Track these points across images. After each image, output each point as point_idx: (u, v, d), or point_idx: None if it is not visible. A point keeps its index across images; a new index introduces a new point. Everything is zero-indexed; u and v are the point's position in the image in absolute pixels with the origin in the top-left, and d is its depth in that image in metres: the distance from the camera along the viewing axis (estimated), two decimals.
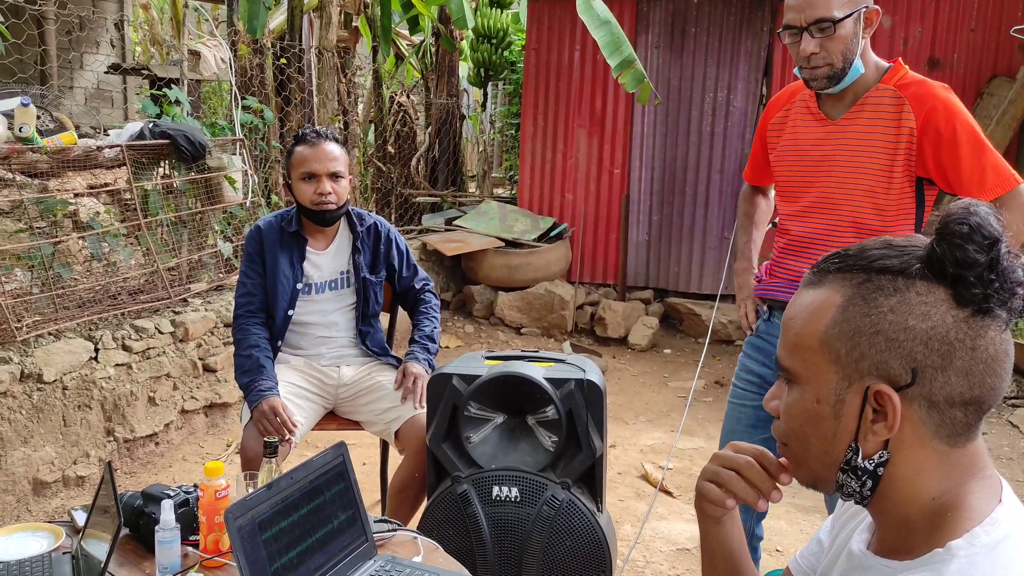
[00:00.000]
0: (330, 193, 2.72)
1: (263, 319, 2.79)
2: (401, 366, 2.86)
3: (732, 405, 2.38)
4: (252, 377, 2.65)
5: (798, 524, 3.49)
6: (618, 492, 3.76)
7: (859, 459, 0.95)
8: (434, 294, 3.04)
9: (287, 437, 2.54)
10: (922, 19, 6.29)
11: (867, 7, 1.98)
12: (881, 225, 2.05)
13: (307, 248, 2.82)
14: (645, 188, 6.94)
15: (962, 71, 6.27)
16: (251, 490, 1.77)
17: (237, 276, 2.97)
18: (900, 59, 2.12)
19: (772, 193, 2.50)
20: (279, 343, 2.83)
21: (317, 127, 2.82)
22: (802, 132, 2.17)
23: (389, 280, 2.99)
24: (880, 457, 0.94)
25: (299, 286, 2.80)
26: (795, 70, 2.08)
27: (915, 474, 0.94)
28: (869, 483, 0.95)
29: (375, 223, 2.92)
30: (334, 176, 2.73)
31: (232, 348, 2.84)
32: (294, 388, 2.78)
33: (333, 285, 2.86)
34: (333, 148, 2.75)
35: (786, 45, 2.04)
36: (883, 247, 0.96)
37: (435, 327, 2.98)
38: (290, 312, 2.80)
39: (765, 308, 2.29)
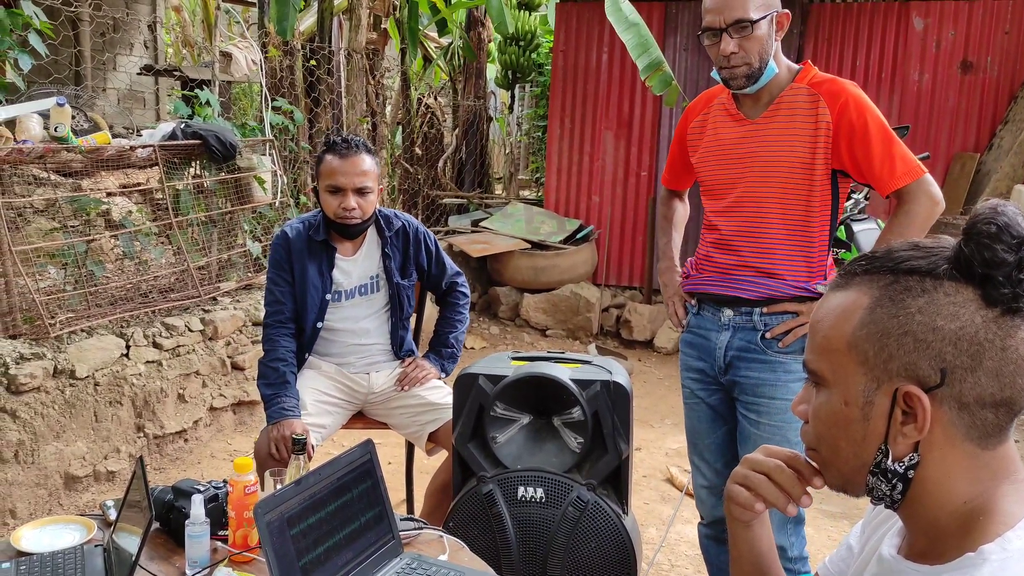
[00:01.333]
0: (355, 209, 2.66)
1: (292, 330, 2.76)
2: (412, 358, 2.90)
3: (687, 405, 2.42)
4: (276, 391, 2.64)
5: (826, 531, 3.46)
6: (643, 495, 3.75)
7: (889, 462, 0.94)
8: (463, 292, 3.00)
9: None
10: (955, 22, 6.22)
11: (778, 11, 2.09)
12: (806, 217, 2.15)
13: (336, 256, 2.78)
14: None
15: (995, 74, 6.20)
16: (279, 487, 1.79)
17: (265, 276, 2.97)
18: (809, 61, 2.22)
19: (687, 198, 2.62)
20: (307, 354, 2.83)
21: (349, 136, 2.73)
22: (723, 133, 2.24)
23: (419, 278, 2.96)
24: (910, 460, 0.93)
25: (328, 296, 2.76)
26: (713, 72, 2.18)
27: (946, 477, 0.93)
28: (899, 486, 0.95)
29: (403, 225, 2.86)
30: (361, 191, 2.66)
31: (260, 346, 2.85)
32: (321, 395, 2.77)
33: (363, 290, 2.83)
34: (363, 161, 2.67)
35: (706, 47, 2.13)
36: (910, 248, 0.95)
37: (455, 333, 2.97)
38: (319, 324, 2.78)
39: (694, 302, 2.34)
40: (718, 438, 2.35)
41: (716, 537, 2.41)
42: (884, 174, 2.05)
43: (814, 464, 1.07)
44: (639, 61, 5.55)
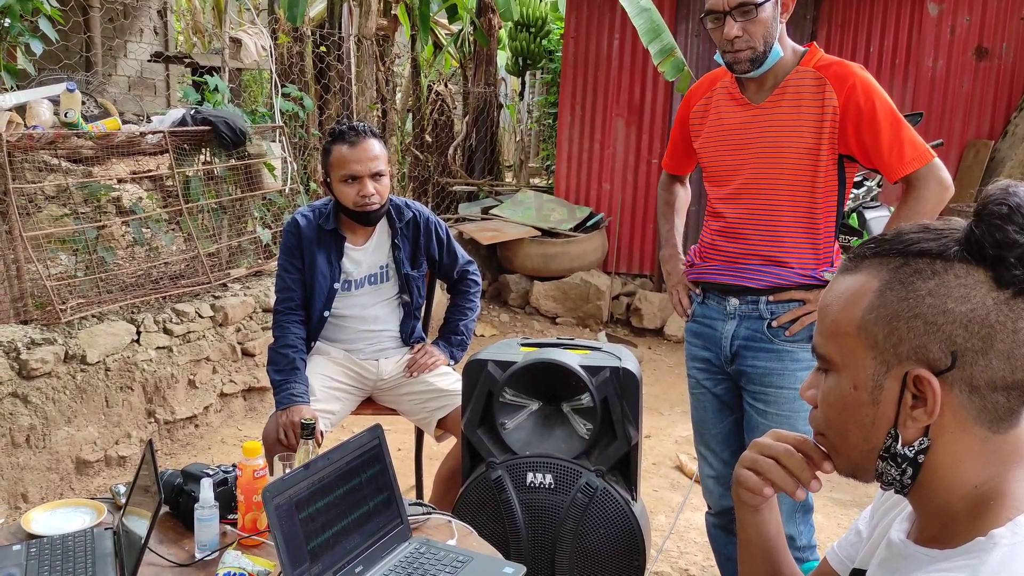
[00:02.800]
0: (374, 194, 2.65)
1: (302, 316, 2.77)
2: (421, 344, 2.90)
3: (693, 395, 2.39)
4: (285, 377, 2.64)
5: (836, 518, 3.46)
6: (652, 482, 3.75)
7: (899, 446, 0.93)
8: (474, 280, 3.00)
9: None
10: (970, 7, 6.16)
11: None
12: (811, 202, 2.11)
13: (345, 244, 2.77)
14: None
15: (1010, 61, 6.13)
16: (287, 471, 1.79)
17: (275, 262, 2.97)
18: (815, 43, 2.17)
19: (688, 182, 2.57)
20: (313, 342, 2.83)
21: (354, 123, 2.73)
22: (727, 117, 2.20)
23: (429, 268, 2.96)
24: (920, 444, 0.92)
25: (336, 285, 2.77)
26: (716, 56, 2.14)
27: (956, 461, 0.92)
28: (909, 471, 0.94)
29: (415, 215, 2.85)
30: (376, 176, 2.66)
31: (270, 332, 2.86)
32: (330, 381, 2.78)
33: (372, 280, 2.83)
34: (374, 145, 2.66)
35: (709, 31, 2.10)
36: (920, 231, 0.93)
37: (465, 320, 2.96)
38: (326, 313, 2.78)
39: (699, 291, 2.30)
40: (724, 428, 2.33)
41: (724, 527, 2.40)
42: (892, 159, 2.01)
43: (823, 449, 1.07)
44: (651, 47, 5.50)
